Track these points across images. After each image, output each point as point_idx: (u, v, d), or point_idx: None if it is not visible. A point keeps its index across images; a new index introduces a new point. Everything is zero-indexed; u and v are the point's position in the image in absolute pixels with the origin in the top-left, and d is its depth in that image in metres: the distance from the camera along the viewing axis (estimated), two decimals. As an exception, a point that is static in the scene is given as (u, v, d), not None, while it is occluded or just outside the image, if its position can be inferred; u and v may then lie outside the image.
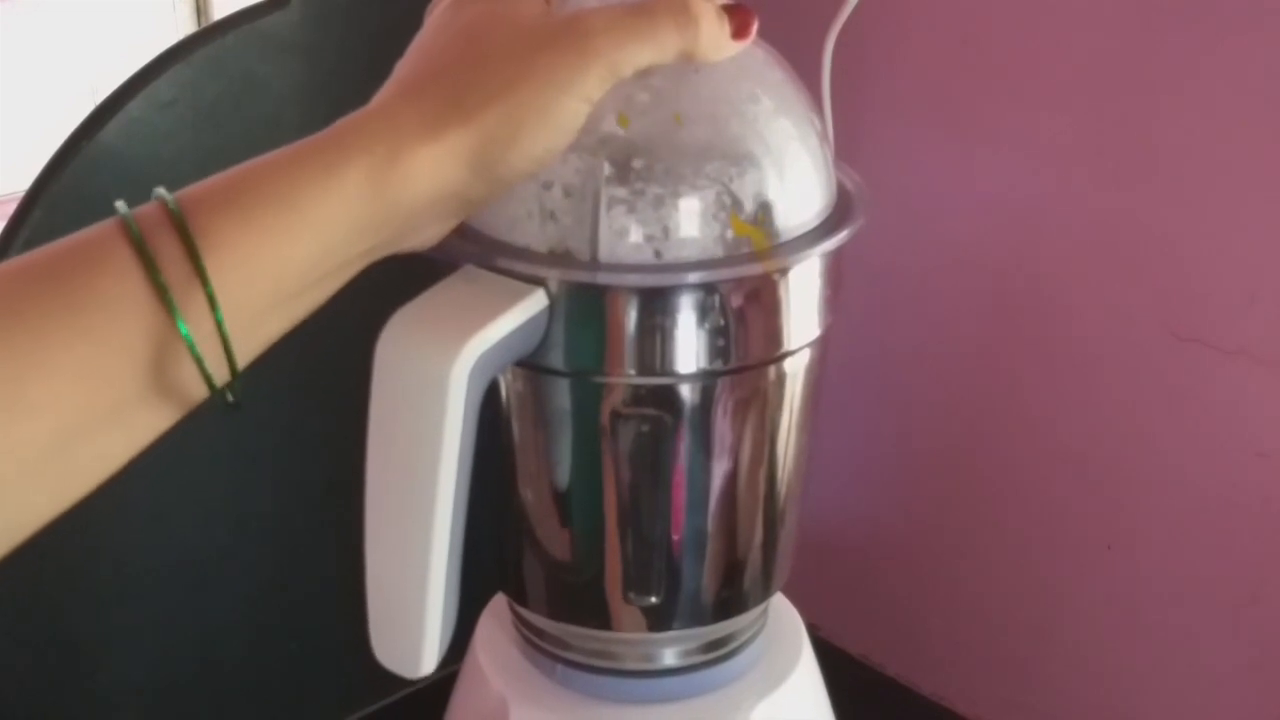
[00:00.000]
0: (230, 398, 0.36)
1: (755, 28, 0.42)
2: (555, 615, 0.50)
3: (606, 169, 0.40)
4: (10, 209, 0.55)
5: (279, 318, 0.37)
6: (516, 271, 0.41)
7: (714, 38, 0.41)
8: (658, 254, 0.41)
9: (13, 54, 1.46)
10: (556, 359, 0.43)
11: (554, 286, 0.41)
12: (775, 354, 0.45)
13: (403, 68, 0.40)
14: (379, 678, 0.44)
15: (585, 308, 0.42)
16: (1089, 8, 0.62)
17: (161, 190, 0.35)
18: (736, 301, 0.42)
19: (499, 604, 0.56)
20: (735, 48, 0.42)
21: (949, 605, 0.78)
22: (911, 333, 0.75)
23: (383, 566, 0.42)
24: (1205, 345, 0.62)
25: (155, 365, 0.34)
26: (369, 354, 0.39)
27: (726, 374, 0.44)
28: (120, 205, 0.34)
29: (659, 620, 0.48)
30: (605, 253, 0.41)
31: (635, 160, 0.41)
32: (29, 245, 0.39)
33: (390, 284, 0.39)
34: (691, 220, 0.41)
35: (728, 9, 0.42)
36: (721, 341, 0.43)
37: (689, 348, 0.42)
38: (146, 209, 0.34)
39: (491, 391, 0.42)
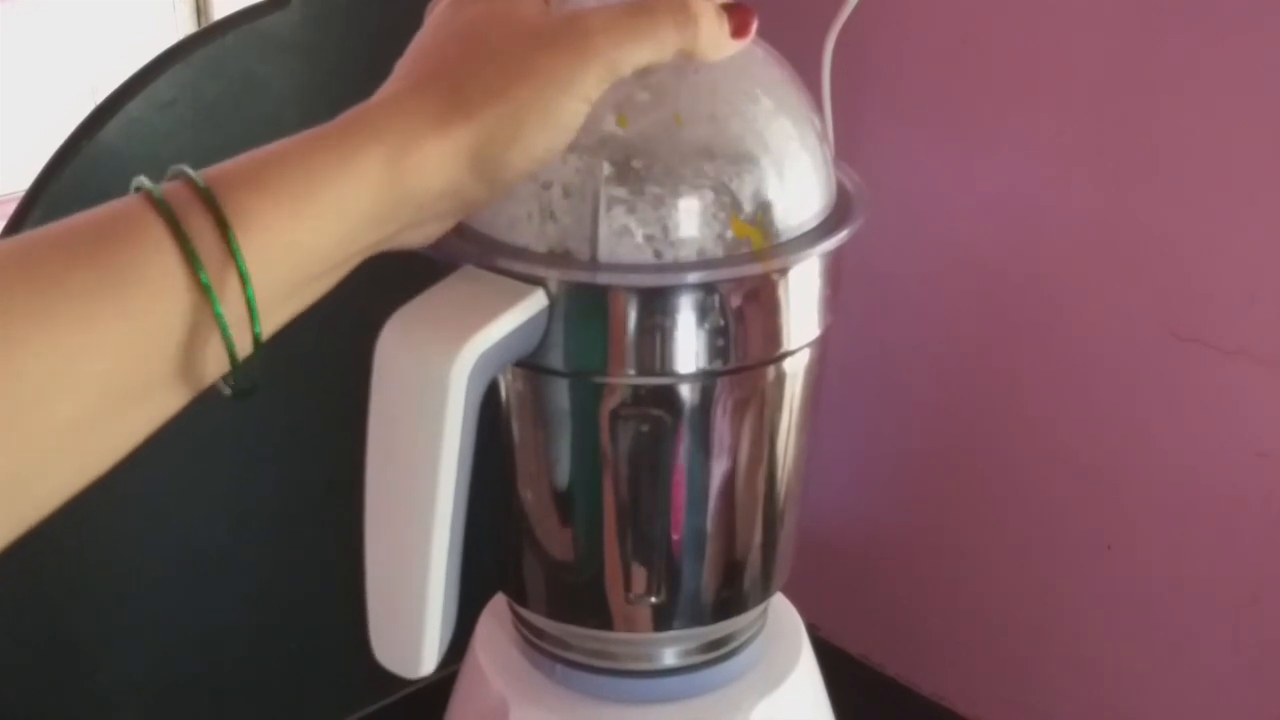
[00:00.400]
0: (249, 383, 0.36)
1: (755, 27, 0.42)
2: (555, 615, 0.50)
3: (606, 169, 0.40)
4: (10, 209, 0.55)
5: (287, 307, 0.37)
6: (516, 271, 0.41)
7: (713, 36, 0.41)
8: (657, 254, 0.41)
9: (13, 54, 1.46)
10: (556, 359, 0.43)
11: (554, 286, 0.41)
12: (775, 354, 0.45)
13: (403, 66, 0.40)
14: (379, 678, 0.44)
15: (585, 308, 0.42)
16: (1089, 8, 0.62)
17: (186, 168, 0.35)
18: (736, 301, 0.42)
19: (499, 604, 0.56)
20: (735, 47, 0.42)
21: (949, 605, 0.78)
22: (911, 333, 0.75)
23: (382, 566, 0.42)
24: (1205, 345, 0.62)
25: (185, 346, 0.34)
26: (369, 354, 0.39)
27: (726, 374, 0.44)
28: (145, 181, 0.34)
29: (659, 620, 0.48)
30: (605, 253, 0.41)
31: (635, 160, 0.41)
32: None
33: (390, 283, 0.39)
34: (691, 220, 0.41)
35: (727, 8, 0.42)
36: (721, 341, 0.43)
37: (688, 348, 0.42)
38: (171, 187, 0.34)
39: (491, 391, 0.42)
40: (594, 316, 0.42)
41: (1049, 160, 0.66)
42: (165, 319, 0.33)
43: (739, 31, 0.42)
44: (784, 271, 0.43)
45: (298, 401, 0.64)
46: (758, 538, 0.48)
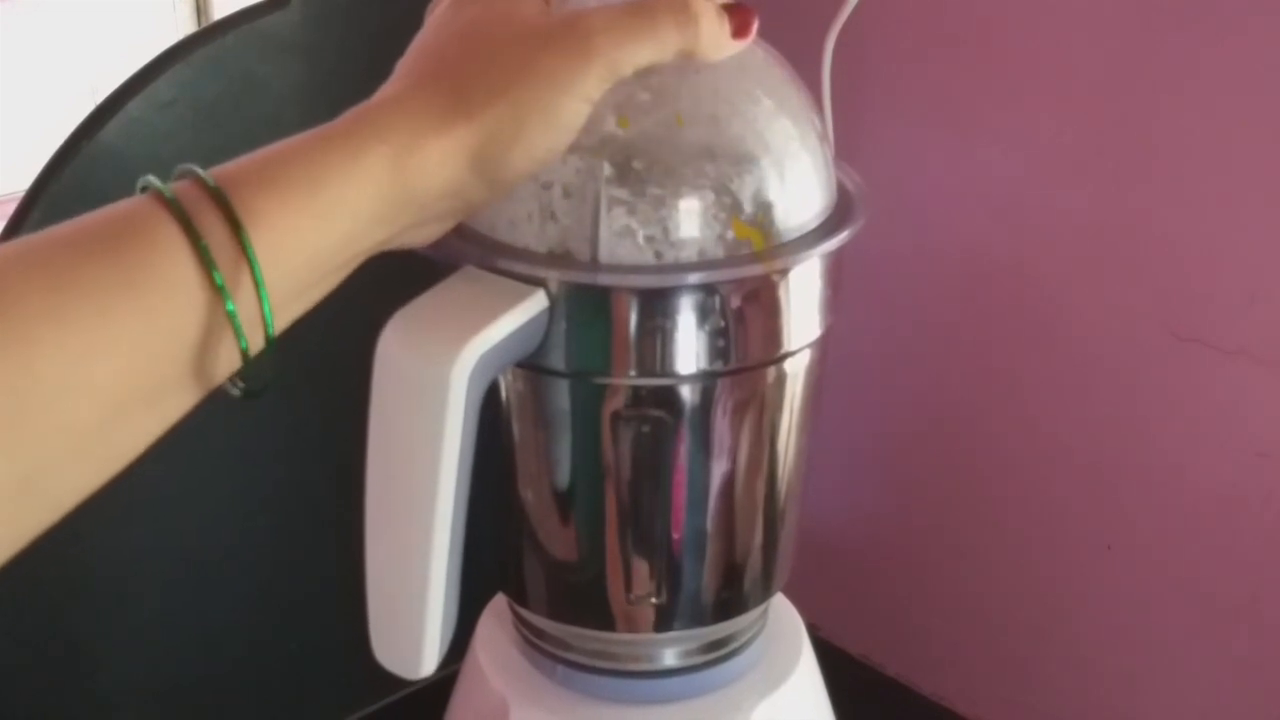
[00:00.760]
0: (260, 383, 0.36)
1: (755, 27, 0.42)
2: (556, 616, 0.50)
3: (607, 169, 0.40)
4: (10, 209, 0.55)
5: (293, 308, 0.37)
6: (517, 272, 0.41)
7: (714, 37, 0.41)
8: (658, 255, 0.41)
9: (13, 54, 1.46)
10: (557, 360, 0.43)
11: (554, 287, 0.41)
12: (776, 355, 0.45)
13: (404, 66, 0.40)
14: (379, 678, 0.44)
15: (586, 308, 0.42)
16: (1089, 8, 0.62)
17: (194, 168, 0.34)
18: (737, 302, 0.42)
19: (499, 604, 0.56)
20: (736, 47, 0.42)
21: (949, 605, 0.78)
22: (911, 332, 0.75)
23: (383, 567, 0.42)
24: (1205, 345, 0.62)
25: (197, 346, 0.34)
26: (369, 354, 0.39)
27: (727, 375, 0.44)
28: (154, 181, 0.34)
29: (659, 621, 0.48)
30: (605, 254, 0.41)
31: (635, 161, 0.41)
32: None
33: (390, 284, 0.39)
34: (692, 221, 0.41)
35: (728, 8, 0.41)
36: (722, 342, 0.43)
37: (689, 348, 0.42)
38: (181, 186, 0.34)
39: (492, 392, 0.42)
40: (595, 317, 0.42)
41: (1049, 160, 0.66)
42: (178, 318, 0.33)
43: (740, 32, 0.42)
44: (785, 272, 0.43)
45: (298, 402, 0.64)
46: (758, 538, 0.48)
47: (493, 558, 0.50)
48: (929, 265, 0.72)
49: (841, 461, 0.80)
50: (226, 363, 0.35)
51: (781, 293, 0.43)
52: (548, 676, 0.52)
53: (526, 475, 0.47)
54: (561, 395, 0.44)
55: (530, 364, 0.43)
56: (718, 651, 0.51)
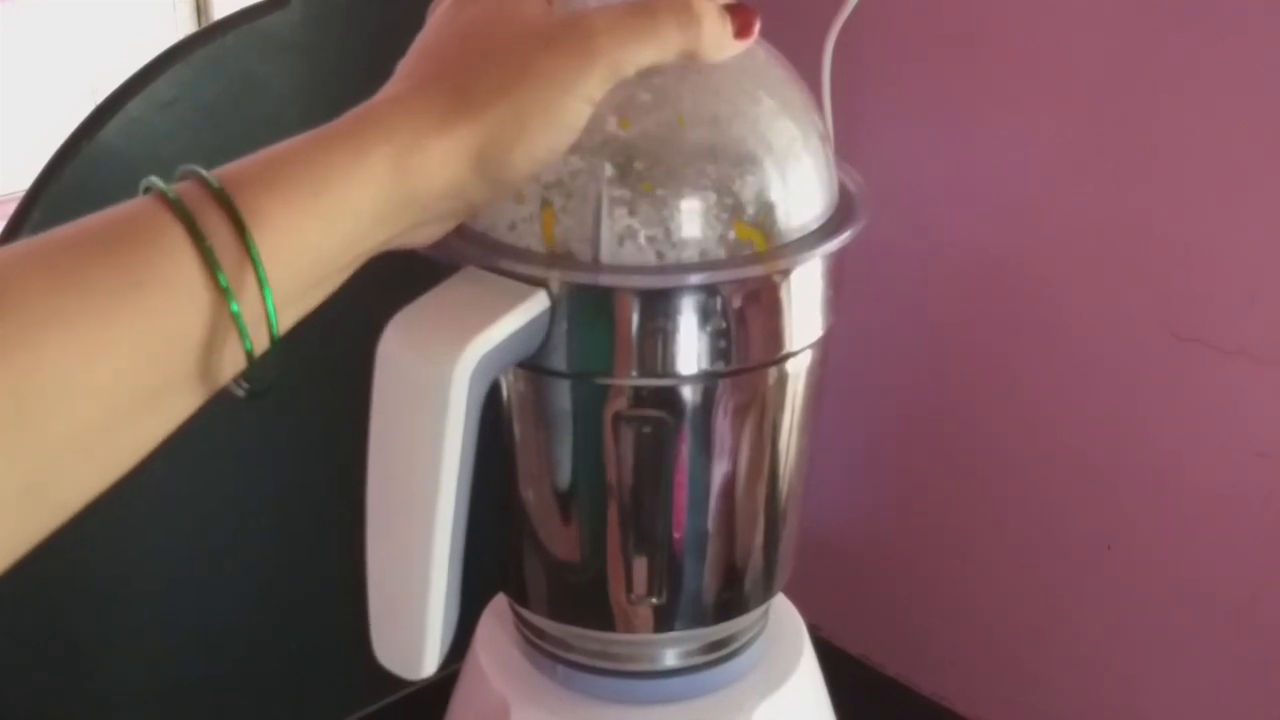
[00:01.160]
0: (264, 384, 0.36)
1: (758, 27, 0.42)
2: (556, 616, 0.50)
3: (608, 170, 0.40)
4: (10, 209, 0.55)
5: (296, 308, 0.37)
6: (518, 273, 0.41)
7: (716, 37, 0.41)
8: (659, 255, 0.41)
9: (13, 54, 1.46)
10: (558, 360, 0.43)
11: (556, 288, 0.41)
12: (777, 355, 0.45)
13: (406, 66, 0.40)
14: (379, 678, 0.44)
15: (587, 309, 0.42)
16: (1089, 8, 0.62)
17: (197, 168, 0.34)
18: (738, 303, 0.42)
19: (500, 604, 0.56)
20: (738, 47, 0.42)
21: (949, 605, 0.78)
22: (910, 332, 0.75)
23: (384, 568, 0.42)
24: (1205, 345, 0.62)
25: (202, 347, 0.34)
26: (370, 355, 0.39)
27: (728, 375, 0.44)
28: (157, 182, 0.34)
29: (660, 621, 0.48)
30: (607, 254, 0.41)
31: (637, 161, 0.40)
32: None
33: (392, 285, 0.39)
34: (693, 221, 0.41)
35: (730, 8, 0.41)
36: (723, 343, 0.43)
37: (690, 349, 0.42)
38: (184, 187, 0.34)
39: (493, 392, 0.42)
40: (596, 318, 0.42)
41: (1049, 160, 0.66)
42: (182, 319, 0.33)
43: (742, 32, 0.42)
44: (786, 273, 0.43)
45: (299, 402, 0.64)
46: (759, 538, 0.48)
47: (493, 558, 0.50)
48: (928, 265, 0.72)
49: (842, 461, 0.80)
50: (231, 363, 0.35)
51: (783, 293, 0.43)
52: (548, 677, 0.52)
53: (527, 476, 0.47)
54: (563, 396, 0.44)
55: (531, 364, 0.43)
56: (719, 652, 0.51)
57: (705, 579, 0.48)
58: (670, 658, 0.50)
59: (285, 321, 0.36)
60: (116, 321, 0.32)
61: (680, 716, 0.51)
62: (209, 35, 0.58)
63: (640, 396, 0.44)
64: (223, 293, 0.33)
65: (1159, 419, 0.65)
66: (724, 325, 0.42)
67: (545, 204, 0.41)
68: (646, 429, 0.44)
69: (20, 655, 0.61)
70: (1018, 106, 0.66)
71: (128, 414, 0.33)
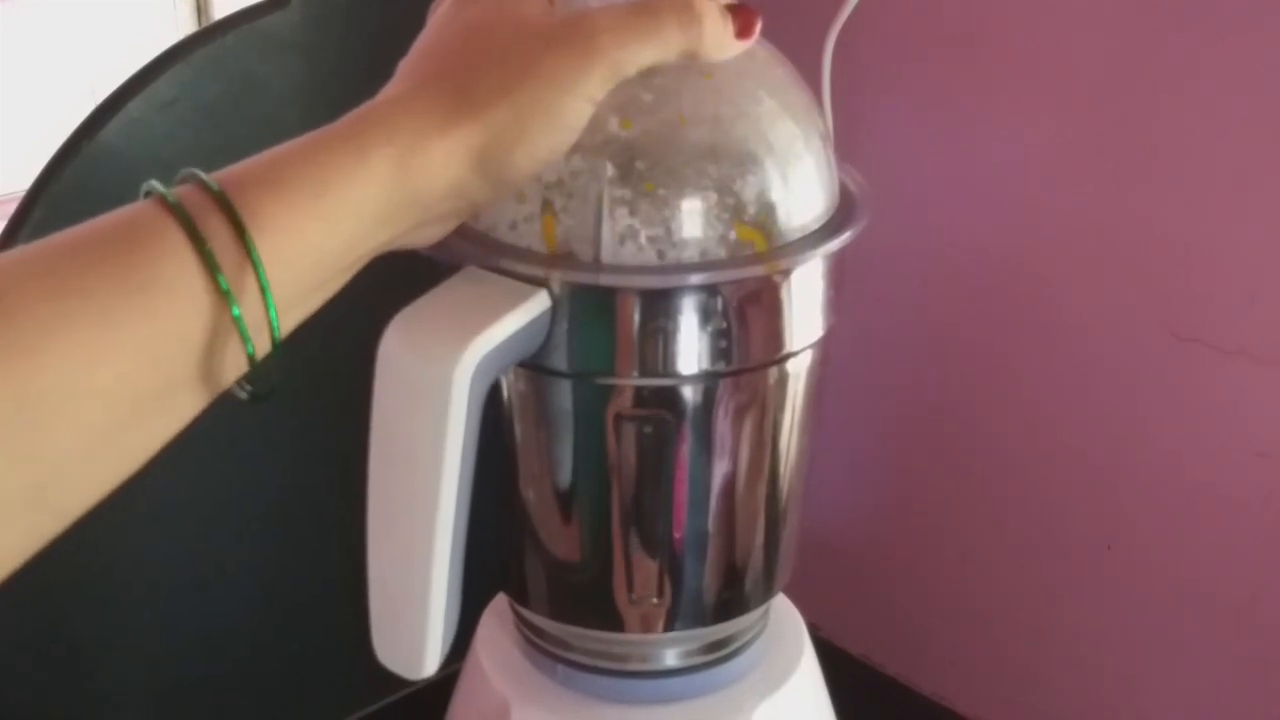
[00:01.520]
0: (266, 386, 0.36)
1: (759, 27, 0.42)
2: (557, 616, 0.50)
3: (609, 170, 0.40)
4: (10, 209, 0.55)
5: (298, 310, 0.37)
6: (519, 273, 0.41)
7: (718, 37, 0.41)
8: (660, 255, 0.41)
9: (13, 54, 1.46)
10: (559, 360, 0.43)
11: (557, 288, 0.41)
12: (778, 355, 0.45)
13: (407, 66, 0.40)
14: (379, 678, 0.44)
15: (588, 309, 0.42)
16: (1089, 7, 0.62)
17: (198, 172, 0.34)
18: (739, 303, 0.42)
19: (501, 604, 0.56)
20: (739, 47, 0.42)
21: (949, 605, 0.78)
22: (910, 332, 0.75)
23: (385, 568, 0.42)
24: (1205, 345, 0.62)
25: (203, 349, 0.34)
26: (371, 355, 0.39)
27: (729, 375, 0.44)
28: (157, 186, 0.34)
29: (661, 621, 0.48)
30: (608, 254, 0.41)
31: (638, 161, 0.41)
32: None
33: (393, 285, 0.39)
34: (694, 221, 0.41)
35: (731, 8, 0.41)
36: (724, 343, 0.43)
37: (691, 349, 0.42)
38: (185, 190, 0.34)
39: (494, 392, 0.42)
40: (597, 318, 0.42)
41: (1049, 160, 0.66)
42: (184, 322, 0.33)
43: (743, 32, 0.42)
44: (787, 273, 0.43)
45: (300, 402, 0.64)
46: (760, 538, 0.48)
47: (494, 557, 0.50)
48: (928, 265, 0.72)
49: (842, 461, 0.80)
50: (233, 366, 0.35)
51: (784, 293, 0.43)
52: (549, 676, 0.52)
53: (528, 475, 0.47)
54: (564, 395, 0.44)
55: (532, 364, 0.43)
56: (719, 652, 0.51)
57: (706, 579, 0.48)
58: (671, 657, 0.50)
59: (287, 324, 0.36)
60: (118, 325, 0.32)
61: (680, 716, 0.51)
62: (209, 35, 0.58)
63: (641, 396, 0.44)
64: (224, 296, 0.33)
65: (1159, 419, 0.65)
66: (725, 325, 0.42)
67: (546, 204, 0.41)
68: (647, 429, 0.44)
69: (21, 656, 0.61)
70: (1018, 106, 0.66)
71: (130, 417, 0.33)
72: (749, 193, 0.41)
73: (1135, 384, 0.66)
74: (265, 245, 0.34)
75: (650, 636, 0.49)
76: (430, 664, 0.43)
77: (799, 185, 0.43)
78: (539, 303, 0.41)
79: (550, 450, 0.46)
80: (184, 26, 1.52)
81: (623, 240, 0.41)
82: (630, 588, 0.47)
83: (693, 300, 0.42)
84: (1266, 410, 0.61)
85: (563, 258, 0.41)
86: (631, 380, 0.43)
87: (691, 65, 0.41)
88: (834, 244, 0.43)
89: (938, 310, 0.73)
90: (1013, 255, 0.68)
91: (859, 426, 0.78)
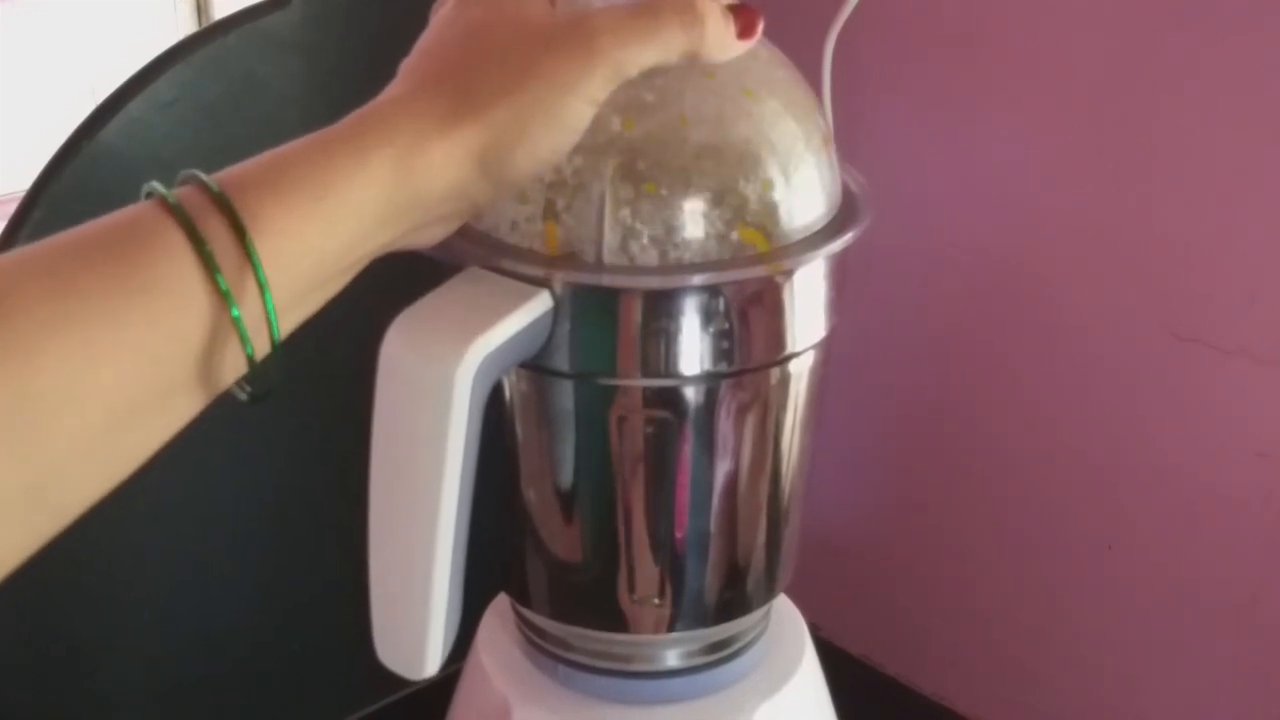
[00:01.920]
0: (265, 387, 0.36)
1: (761, 28, 0.42)
2: (558, 616, 0.50)
3: (611, 170, 0.40)
4: (10, 209, 0.55)
5: (299, 311, 0.37)
6: (521, 273, 0.41)
7: (719, 38, 0.41)
8: (662, 256, 0.41)
9: (13, 54, 1.46)
10: (561, 361, 0.43)
11: (558, 288, 0.41)
12: (780, 356, 0.45)
13: (408, 66, 0.40)
14: (380, 678, 0.44)
15: (590, 309, 0.42)
16: (1089, 7, 0.62)
17: (198, 173, 0.35)
18: (741, 304, 0.42)
19: (502, 604, 0.56)
20: (741, 48, 0.42)
21: (949, 605, 0.78)
22: (911, 332, 0.75)
23: (386, 568, 0.42)
24: (1205, 345, 0.62)
25: (203, 350, 0.34)
26: (373, 355, 0.39)
27: (731, 376, 0.44)
28: (158, 187, 0.34)
29: (662, 621, 0.48)
30: (610, 255, 0.41)
31: (640, 161, 0.40)
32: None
33: (394, 285, 0.39)
34: (696, 222, 0.41)
35: (733, 9, 0.41)
36: (726, 344, 0.43)
37: (693, 350, 0.42)
38: (185, 192, 0.34)
39: (495, 392, 0.42)
40: (599, 318, 0.42)
41: (1049, 160, 0.66)
42: (183, 323, 0.33)
43: (745, 32, 0.42)
44: (789, 274, 0.43)
45: (301, 403, 0.64)
46: (762, 539, 0.48)
47: (495, 558, 0.50)
48: (929, 265, 0.72)
49: (843, 461, 0.80)
50: (232, 367, 0.35)
51: (786, 294, 0.43)
52: (550, 677, 0.52)
53: (530, 476, 0.47)
54: (565, 396, 0.44)
55: (534, 365, 0.43)
56: (720, 652, 0.51)
57: (707, 579, 0.48)
58: (672, 658, 0.50)
59: (287, 325, 0.36)
60: (118, 325, 0.32)
61: (682, 717, 0.51)
62: (209, 35, 0.58)
63: (643, 397, 0.44)
64: (223, 297, 0.33)
65: (1159, 419, 0.65)
66: (727, 326, 0.42)
67: (548, 204, 0.41)
68: (649, 429, 0.44)
69: (21, 656, 0.61)
70: (1018, 106, 0.66)
71: (130, 417, 0.33)
72: (751, 193, 0.41)
73: (1135, 384, 0.66)
74: (265, 246, 0.34)
75: (652, 637, 0.49)
76: (431, 664, 0.43)
77: (801, 186, 0.43)
78: (541, 303, 0.41)
79: (552, 451, 0.46)
80: (184, 26, 1.52)
81: (625, 241, 0.41)
82: (632, 588, 0.47)
83: (695, 301, 0.42)
84: (1266, 410, 0.61)
85: (565, 258, 0.41)
86: (633, 381, 0.43)
87: (693, 66, 0.41)
88: (836, 244, 0.43)
89: (938, 310, 0.73)
90: (1013, 255, 0.68)
91: (860, 426, 0.78)
